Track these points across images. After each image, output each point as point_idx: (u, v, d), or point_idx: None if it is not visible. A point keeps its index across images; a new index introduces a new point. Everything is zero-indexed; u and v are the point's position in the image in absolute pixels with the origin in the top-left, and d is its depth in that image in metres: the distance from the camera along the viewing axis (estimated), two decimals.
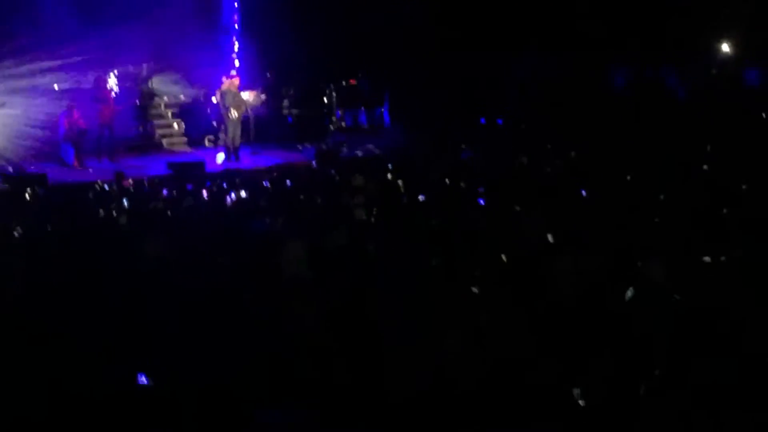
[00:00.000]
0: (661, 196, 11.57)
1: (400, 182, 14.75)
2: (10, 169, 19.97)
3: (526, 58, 28.58)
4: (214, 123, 24.70)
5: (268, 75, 26.34)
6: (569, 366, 5.82)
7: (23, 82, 22.93)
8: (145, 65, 26.03)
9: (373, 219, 11.18)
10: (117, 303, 7.14)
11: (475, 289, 7.26)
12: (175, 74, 26.69)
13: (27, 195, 15.45)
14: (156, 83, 26.38)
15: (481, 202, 12.11)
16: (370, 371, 5.96)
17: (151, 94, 26.23)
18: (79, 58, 23.38)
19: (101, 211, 12.75)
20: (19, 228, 10.75)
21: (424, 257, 8.23)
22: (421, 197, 12.82)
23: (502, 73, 28.81)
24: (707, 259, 7.75)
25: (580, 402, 5.49)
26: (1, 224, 11.51)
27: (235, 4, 28.12)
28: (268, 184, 15.84)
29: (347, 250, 8.83)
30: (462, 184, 14.23)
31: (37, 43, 22.76)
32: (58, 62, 23.37)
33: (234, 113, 22.10)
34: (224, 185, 15.66)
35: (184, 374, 5.92)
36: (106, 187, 16.74)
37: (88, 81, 22.96)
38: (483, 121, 27.98)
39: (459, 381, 5.75)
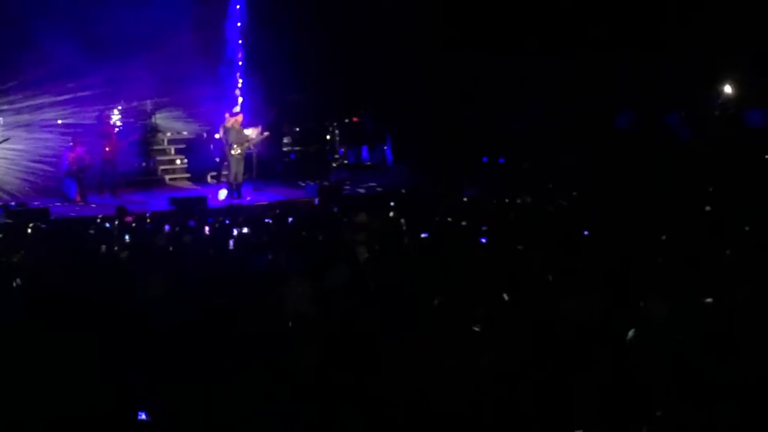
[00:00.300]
0: (663, 237, 11.54)
1: (402, 220, 14.75)
2: (13, 203, 20.00)
3: (531, 101, 28.66)
4: (217, 159, 24.75)
5: (271, 112, 26.39)
6: (569, 407, 5.81)
7: (27, 117, 23.06)
8: (149, 101, 26.12)
9: (375, 256, 11.15)
10: (115, 336, 7.13)
11: (476, 328, 7.24)
12: (178, 110, 26.80)
13: (29, 229, 15.45)
14: (159, 119, 26.47)
15: (483, 240, 12.09)
16: (368, 406, 5.96)
17: (155, 130, 26.32)
18: (84, 93, 23.52)
19: (103, 246, 12.74)
20: (19, 262, 10.75)
21: (426, 296, 8.20)
22: (423, 235, 12.81)
23: (506, 113, 28.88)
24: (709, 300, 7.72)
25: None
26: (2, 258, 11.51)
27: (239, 41, 28.25)
28: (270, 221, 15.83)
29: (348, 287, 8.81)
30: (464, 223, 14.21)
31: (42, 77, 22.90)
32: (63, 97, 23.52)
33: (237, 150, 22.12)
34: (226, 221, 15.64)
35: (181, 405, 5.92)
36: (108, 223, 16.77)
37: (91, 116, 23.03)
38: (485, 159, 28.02)
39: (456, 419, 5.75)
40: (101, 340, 7.07)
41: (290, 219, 16.02)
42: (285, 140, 26.88)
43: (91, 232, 14.87)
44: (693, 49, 26.45)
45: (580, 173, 21.30)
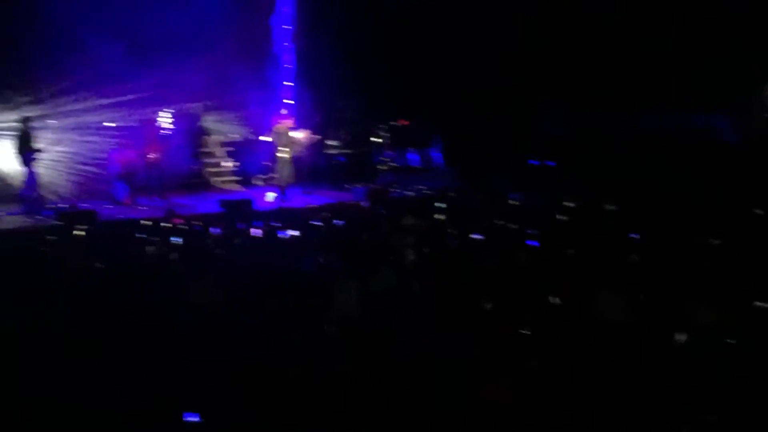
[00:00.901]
0: (715, 241, 11.46)
1: (449, 223, 14.74)
2: (63, 205, 20.19)
3: (578, 106, 28.52)
4: (266, 162, 24.83)
5: (320, 115, 26.45)
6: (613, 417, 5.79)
7: (77, 119, 23.26)
8: (197, 104, 26.27)
9: (422, 259, 11.15)
10: (161, 338, 7.18)
11: (525, 332, 7.22)
12: (227, 113, 26.95)
13: (77, 231, 15.58)
14: (208, 122, 26.63)
15: (531, 244, 12.05)
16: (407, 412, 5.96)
17: (204, 133, 26.47)
18: (133, 96, 23.71)
19: (151, 248, 12.82)
20: (68, 263, 10.85)
21: (473, 299, 8.19)
22: (474, 236, 12.80)
23: (555, 117, 28.76)
24: (760, 304, 7.66)
25: None
26: (51, 258, 11.63)
27: (288, 44, 28.33)
28: (319, 224, 15.85)
29: (395, 290, 8.82)
30: (512, 226, 14.18)
31: (91, 80, 23.09)
32: (112, 100, 23.70)
33: (285, 153, 22.18)
34: (274, 224, 15.68)
35: (228, 412, 5.94)
36: (157, 224, 16.89)
37: (140, 119, 23.18)
38: (534, 162, 27.92)
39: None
40: (144, 340, 7.12)
41: (338, 222, 16.05)
42: (333, 143, 26.91)
43: (140, 234, 14.96)
44: (743, 51, 26.23)
45: (628, 176, 21.14)
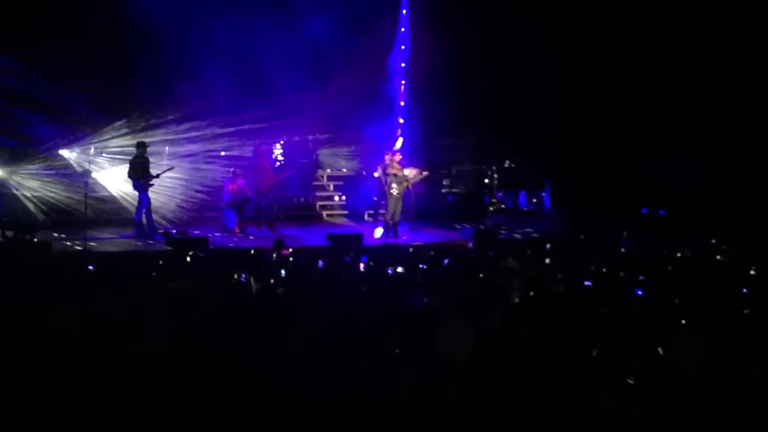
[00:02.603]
0: None
1: (556, 268, 14.63)
2: (174, 231, 20.51)
3: (692, 153, 28.06)
4: (375, 198, 24.95)
5: (431, 153, 26.53)
6: None
7: (191, 147, 23.69)
8: (311, 137, 26.57)
9: (528, 302, 11.07)
10: (267, 371, 7.21)
11: (630, 381, 7.12)
12: (339, 147, 27.18)
13: (188, 257, 15.80)
14: (321, 155, 26.89)
15: (639, 292, 11.88)
16: None
17: (315, 166, 26.75)
18: (247, 126, 24.08)
19: (258, 278, 12.92)
20: (175, 288, 10.98)
21: (580, 346, 8.10)
22: (586, 283, 12.68)
23: (665, 165, 28.35)
24: None
25: None
26: (159, 283, 11.79)
27: (402, 81, 28.52)
28: (425, 262, 15.83)
29: (501, 332, 8.77)
30: (621, 273, 14.01)
31: (206, 110, 23.56)
32: (226, 129, 24.14)
33: (395, 189, 22.24)
34: (381, 260, 15.70)
35: None
36: (264, 254, 17.08)
37: (254, 149, 23.50)
38: (644, 211, 27.60)
39: None
40: (248, 369, 7.16)
41: (445, 261, 16.01)
42: (444, 182, 26.94)
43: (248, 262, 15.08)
44: None
45: (742, 229, 20.77)
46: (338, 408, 6.52)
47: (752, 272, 14.17)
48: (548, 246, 18.56)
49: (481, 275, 13.33)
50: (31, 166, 21.90)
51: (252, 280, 12.67)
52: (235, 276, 12.81)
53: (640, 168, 27.40)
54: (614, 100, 26.89)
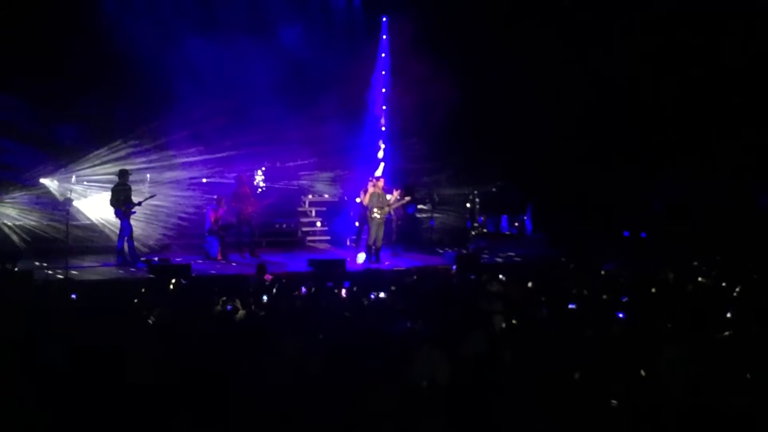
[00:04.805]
0: None
1: (540, 291, 14.64)
2: (156, 258, 20.45)
3: (672, 177, 28.17)
4: (357, 223, 24.95)
5: (412, 178, 26.56)
6: None
7: (173, 174, 23.66)
8: (291, 163, 26.56)
9: (511, 327, 11.08)
10: (250, 396, 7.21)
11: (613, 402, 7.14)
12: (320, 173, 27.17)
13: (171, 285, 15.75)
14: (301, 180, 26.88)
15: (621, 315, 11.90)
16: None
17: (297, 191, 26.74)
18: (229, 153, 24.07)
19: (242, 305, 12.91)
20: (155, 316, 10.97)
21: (563, 368, 8.12)
22: (570, 306, 12.70)
23: (646, 189, 28.46)
24: None
25: None
26: (140, 311, 11.77)
27: (383, 107, 28.60)
28: (408, 287, 15.81)
29: (484, 356, 8.77)
30: (604, 296, 14.03)
31: (189, 137, 23.52)
32: (209, 156, 24.14)
33: (377, 214, 22.26)
34: (364, 285, 15.67)
35: None
36: (246, 280, 17.08)
37: (235, 176, 23.50)
38: (626, 233, 27.67)
39: None
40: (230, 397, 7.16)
41: (427, 286, 15.99)
42: (424, 207, 26.97)
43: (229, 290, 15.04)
44: None
45: (724, 252, 20.80)
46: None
47: (735, 293, 14.21)
48: (530, 270, 18.56)
49: (463, 300, 13.33)
50: (11, 195, 21.81)
51: (238, 305, 12.66)
52: (219, 302, 12.79)
53: (622, 191, 27.50)
54: (596, 122, 27.02)
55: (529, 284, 15.61)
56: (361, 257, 22.55)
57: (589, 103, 26.88)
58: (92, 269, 19.92)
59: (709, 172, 26.85)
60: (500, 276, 16.69)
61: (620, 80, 27.24)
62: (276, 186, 26.01)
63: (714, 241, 22.91)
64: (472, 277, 17.67)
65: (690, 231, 25.08)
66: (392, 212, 23.96)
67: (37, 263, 19.52)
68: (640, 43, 27.09)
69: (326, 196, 27.57)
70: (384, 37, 28.84)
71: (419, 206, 26.40)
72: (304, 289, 15.16)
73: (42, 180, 22.22)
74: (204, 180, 24.42)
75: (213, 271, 20.13)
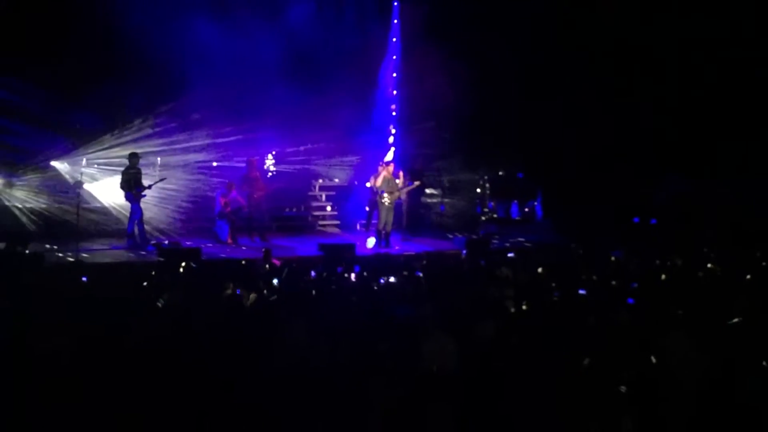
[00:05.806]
0: None
1: (550, 277, 14.62)
2: (166, 242, 20.46)
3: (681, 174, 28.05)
4: (367, 208, 24.94)
5: (423, 162, 26.51)
6: None
7: (184, 158, 23.66)
8: (303, 147, 26.56)
9: (521, 312, 11.06)
10: (249, 378, 7.21)
11: (622, 389, 7.12)
12: (331, 158, 27.16)
13: (181, 268, 15.74)
14: (312, 166, 26.88)
15: (631, 301, 11.87)
16: None
17: (307, 176, 26.73)
18: (240, 137, 24.07)
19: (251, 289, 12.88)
20: (165, 299, 10.96)
21: (573, 354, 8.10)
22: (580, 291, 12.67)
23: (657, 180, 28.34)
24: None
25: None
26: (150, 294, 11.76)
27: (394, 92, 28.54)
28: (418, 272, 15.78)
29: (493, 342, 8.75)
30: (613, 282, 14.00)
31: (200, 120, 23.53)
32: (220, 140, 24.08)
33: (387, 199, 22.24)
34: (373, 269, 15.65)
35: None
36: (255, 264, 17.06)
37: (246, 160, 23.47)
38: (636, 220, 27.60)
39: None
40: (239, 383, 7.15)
41: (437, 270, 15.96)
42: (435, 191, 26.94)
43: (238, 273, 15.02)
44: None
45: (735, 239, 20.74)
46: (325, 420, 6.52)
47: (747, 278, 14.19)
48: (540, 256, 18.54)
49: (473, 284, 13.31)
50: (23, 178, 21.85)
51: (246, 292, 12.63)
52: (229, 286, 12.76)
53: (632, 178, 27.39)
54: (608, 112, 26.91)
55: (539, 270, 15.58)
56: (371, 242, 22.53)
57: (603, 88, 26.75)
58: (103, 252, 19.95)
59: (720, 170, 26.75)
60: (510, 260, 16.67)
61: (635, 69, 27.16)
62: (286, 170, 26.01)
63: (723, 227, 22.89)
64: (482, 262, 17.65)
65: (700, 217, 25.03)
66: (402, 197, 23.93)
67: (48, 246, 19.55)
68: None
69: (336, 180, 27.57)
70: (395, 21, 28.78)
71: (429, 191, 26.39)
72: (313, 273, 15.16)
73: (53, 163, 22.24)
74: (214, 164, 24.40)
75: (223, 255, 20.11)
